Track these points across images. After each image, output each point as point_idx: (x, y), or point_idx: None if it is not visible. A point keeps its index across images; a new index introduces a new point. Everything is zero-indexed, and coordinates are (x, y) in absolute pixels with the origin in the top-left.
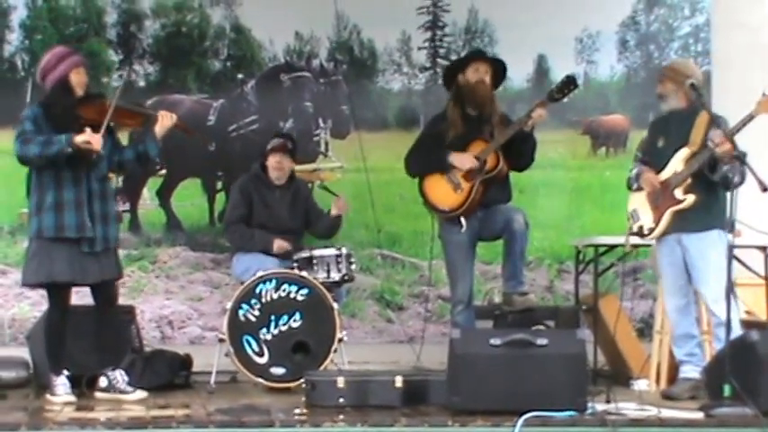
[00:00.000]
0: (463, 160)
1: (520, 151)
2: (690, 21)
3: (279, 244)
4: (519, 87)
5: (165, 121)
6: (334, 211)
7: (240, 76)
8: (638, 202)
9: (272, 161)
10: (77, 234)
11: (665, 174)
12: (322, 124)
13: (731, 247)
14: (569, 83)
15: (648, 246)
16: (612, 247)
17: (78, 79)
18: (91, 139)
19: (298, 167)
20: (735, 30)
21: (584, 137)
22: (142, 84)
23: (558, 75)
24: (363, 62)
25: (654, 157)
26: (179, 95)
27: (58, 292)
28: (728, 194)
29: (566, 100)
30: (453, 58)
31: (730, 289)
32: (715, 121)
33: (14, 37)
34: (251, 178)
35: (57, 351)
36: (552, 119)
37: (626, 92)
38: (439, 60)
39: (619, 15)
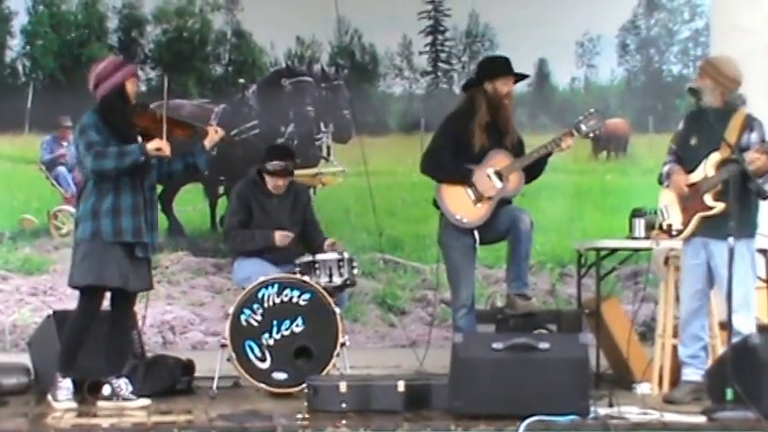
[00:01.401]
0: (487, 188)
1: (534, 169)
2: (689, 25)
3: (280, 235)
4: (520, 91)
5: (213, 136)
6: (326, 248)
7: (241, 80)
8: (669, 200)
9: (270, 180)
10: (134, 239)
11: (695, 176)
12: (323, 129)
13: (731, 251)
14: (597, 119)
15: (649, 249)
16: (614, 250)
17: (132, 88)
18: (161, 145)
19: (299, 172)
20: (734, 34)
21: (585, 140)
22: (144, 89)
23: (558, 79)
24: (364, 66)
25: (686, 153)
26: (180, 100)
27: (95, 296)
28: (760, 203)
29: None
30: (454, 62)
31: (730, 291)
32: (748, 122)
33: (16, 42)
34: (248, 184)
35: (73, 353)
36: (553, 123)
37: (626, 95)
38: (440, 64)
39: (619, 19)
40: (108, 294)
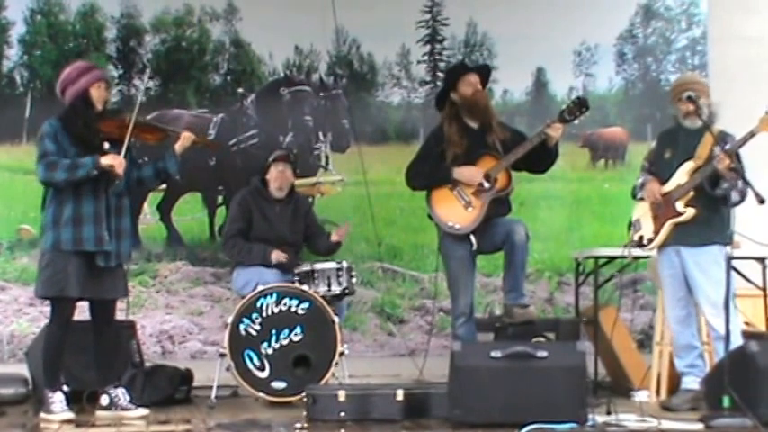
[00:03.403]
0: (471, 175)
1: (540, 160)
2: (687, 34)
3: (277, 254)
4: (518, 100)
5: (184, 141)
6: (334, 238)
7: (240, 90)
8: (641, 212)
9: (274, 172)
10: (96, 247)
11: (669, 186)
12: (322, 138)
13: (729, 259)
14: (581, 104)
15: (648, 257)
16: (612, 258)
17: (98, 94)
18: (114, 162)
19: (298, 181)
20: (731, 42)
21: (584, 149)
22: (142, 99)
23: (556, 88)
24: (363, 76)
25: (660, 168)
26: (179, 110)
27: (63, 306)
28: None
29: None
30: None
31: (728, 301)
32: (721, 137)
33: (13, 52)
34: (250, 192)
35: (55, 366)
36: None
37: (624, 104)
38: (438, 74)
39: (616, 29)
40: (87, 305)
